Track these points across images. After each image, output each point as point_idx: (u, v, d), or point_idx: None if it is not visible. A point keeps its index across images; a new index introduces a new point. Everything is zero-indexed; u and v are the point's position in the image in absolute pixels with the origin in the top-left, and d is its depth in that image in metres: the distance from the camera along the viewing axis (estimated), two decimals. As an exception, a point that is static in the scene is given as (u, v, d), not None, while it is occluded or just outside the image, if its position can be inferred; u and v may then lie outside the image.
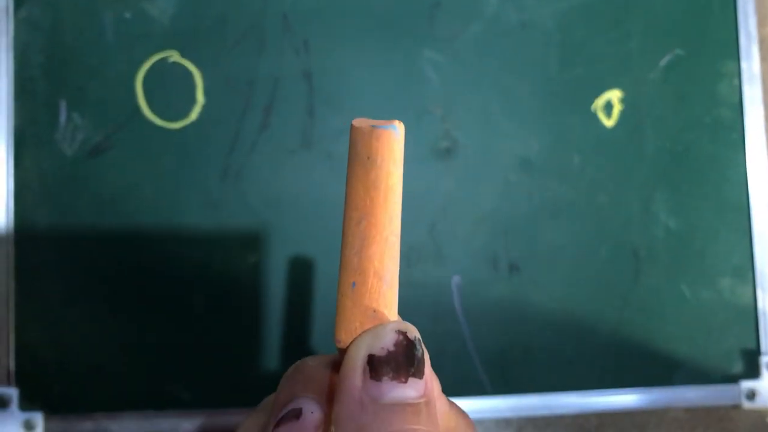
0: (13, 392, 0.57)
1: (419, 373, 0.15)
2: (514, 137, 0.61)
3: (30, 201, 0.59)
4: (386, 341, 0.16)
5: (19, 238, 0.58)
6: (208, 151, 0.59)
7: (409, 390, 0.15)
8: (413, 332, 0.16)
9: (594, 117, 0.62)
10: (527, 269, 0.61)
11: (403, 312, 0.55)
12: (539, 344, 0.60)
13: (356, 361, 0.15)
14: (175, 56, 0.60)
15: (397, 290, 0.17)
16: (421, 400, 0.15)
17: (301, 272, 0.59)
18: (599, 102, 0.62)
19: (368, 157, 0.18)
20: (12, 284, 0.58)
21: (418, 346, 0.15)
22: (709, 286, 0.61)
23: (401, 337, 0.16)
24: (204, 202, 0.59)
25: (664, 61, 0.62)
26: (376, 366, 0.15)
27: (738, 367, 0.61)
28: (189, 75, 0.60)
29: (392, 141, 0.18)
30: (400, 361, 0.15)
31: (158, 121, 0.59)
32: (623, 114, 0.62)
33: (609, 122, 0.62)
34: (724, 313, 0.61)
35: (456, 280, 0.60)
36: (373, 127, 0.18)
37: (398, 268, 0.17)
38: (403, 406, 0.15)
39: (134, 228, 0.59)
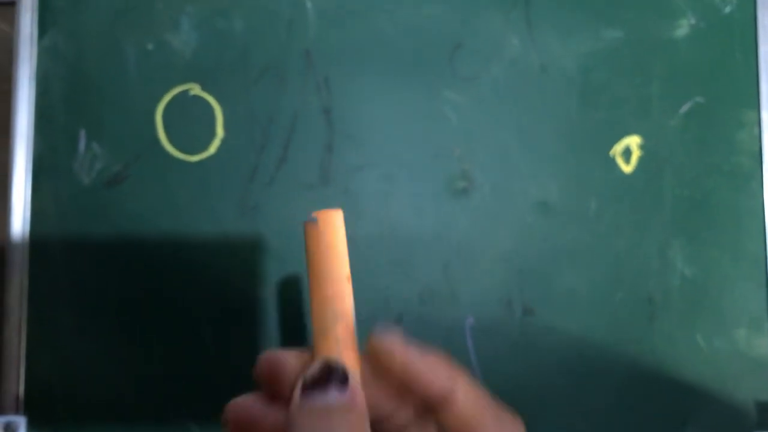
0: (21, 420, 0.57)
1: (337, 385, 0.19)
2: (531, 179, 0.61)
3: (46, 229, 0.59)
4: (315, 368, 0.20)
5: (33, 265, 0.58)
6: (226, 185, 0.59)
7: (329, 396, 0.19)
8: (335, 362, 0.20)
9: (612, 162, 0.61)
10: (541, 313, 0.60)
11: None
12: (551, 389, 0.60)
13: (298, 383, 0.20)
14: (196, 89, 0.60)
15: (349, 333, 0.21)
16: (339, 407, 0.19)
17: (315, 309, 0.59)
18: (618, 147, 0.61)
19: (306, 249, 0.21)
20: (24, 312, 0.58)
21: (336, 368, 0.20)
22: (724, 337, 0.61)
23: (324, 365, 0.20)
24: (220, 235, 0.59)
25: (684, 108, 0.62)
26: (306, 384, 0.19)
27: (752, 419, 0.60)
28: (209, 108, 0.60)
29: (311, 233, 0.21)
30: (318, 378, 0.20)
31: (177, 154, 0.59)
32: (642, 160, 0.61)
33: (627, 168, 0.61)
34: (739, 364, 0.61)
35: (470, 321, 0.60)
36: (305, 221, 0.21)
37: (349, 319, 0.22)
38: (323, 411, 0.19)
39: (149, 259, 0.58)
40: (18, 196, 0.59)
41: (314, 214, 0.21)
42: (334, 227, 0.21)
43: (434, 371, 0.20)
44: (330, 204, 0.60)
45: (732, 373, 0.61)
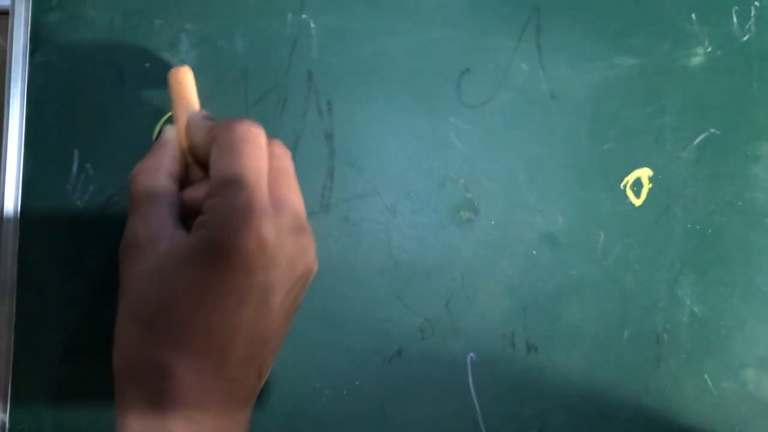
0: (6, 448, 0.56)
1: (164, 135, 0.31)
2: (538, 210, 0.59)
3: (36, 252, 0.57)
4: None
5: (21, 289, 0.56)
6: (222, 210, 0.57)
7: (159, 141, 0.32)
8: (167, 130, 0.31)
9: (622, 194, 0.59)
10: (545, 349, 0.58)
11: (414, 387, 0.52)
12: (554, 429, 0.58)
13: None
14: (193, 110, 0.58)
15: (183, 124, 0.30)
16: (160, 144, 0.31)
17: (314, 340, 0.57)
18: (629, 179, 0.59)
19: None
20: (12, 337, 0.56)
21: (165, 131, 0.31)
22: (733, 377, 0.59)
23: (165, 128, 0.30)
24: (215, 263, 0.57)
25: (698, 140, 0.60)
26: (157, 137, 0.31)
27: (759, 463, 0.59)
28: (207, 130, 0.58)
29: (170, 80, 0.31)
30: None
31: (172, 177, 0.57)
32: (652, 193, 0.60)
33: (637, 201, 0.60)
34: (747, 406, 0.59)
35: (471, 357, 0.58)
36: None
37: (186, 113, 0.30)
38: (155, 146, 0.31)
39: (141, 285, 0.56)
40: (8, 216, 0.57)
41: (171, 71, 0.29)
42: (184, 77, 0.30)
43: (199, 128, 0.29)
44: (330, 232, 0.58)
45: (740, 415, 0.59)
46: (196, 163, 0.29)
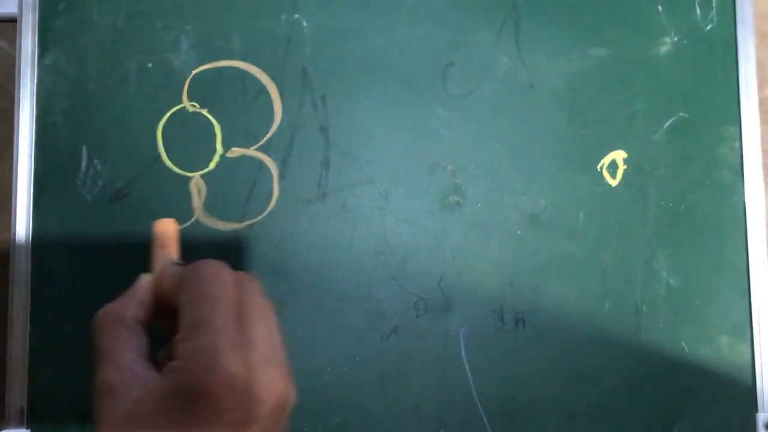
0: (24, 433, 0.58)
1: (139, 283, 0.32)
2: (522, 193, 0.63)
3: (48, 245, 0.60)
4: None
5: (35, 281, 0.59)
6: (226, 200, 0.61)
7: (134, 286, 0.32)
8: (144, 278, 0.32)
9: (599, 176, 0.64)
10: (532, 322, 0.62)
11: (411, 361, 0.55)
12: (543, 396, 0.62)
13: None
14: (195, 107, 0.61)
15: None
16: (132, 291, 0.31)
17: (316, 321, 0.61)
18: (605, 162, 0.64)
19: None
20: (28, 327, 0.59)
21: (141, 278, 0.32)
22: (708, 344, 0.63)
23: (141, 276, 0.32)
24: (220, 251, 0.60)
25: (667, 124, 0.64)
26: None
27: (735, 424, 0.63)
28: (209, 125, 0.61)
29: (154, 231, 0.33)
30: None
31: (177, 170, 0.61)
32: (627, 174, 0.64)
33: (613, 182, 0.64)
34: (722, 370, 0.63)
35: (463, 331, 0.62)
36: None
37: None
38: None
39: (150, 273, 0.60)
40: (21, 212, 0.60)
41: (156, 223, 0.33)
42: (166, 227, 0.33)
43: (170, 275, 0.31)
44: (328, 218, 0.61)
45: (716, 378, 0.63)
46: (167, 311, 0.31)
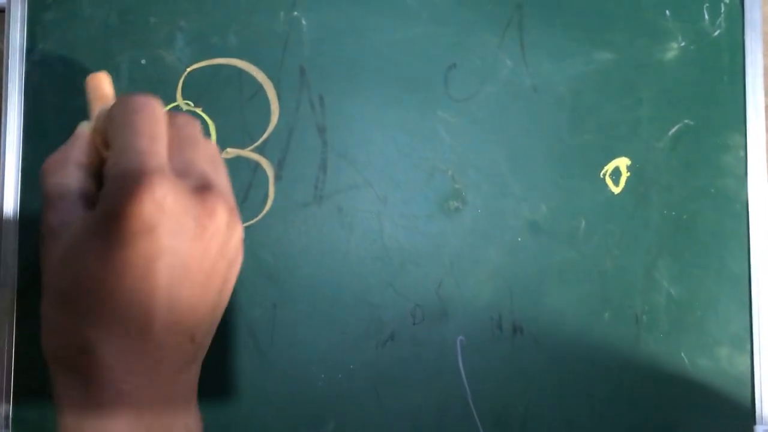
0: (9, 437, 0.57)
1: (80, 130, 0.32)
2: (522, 199, 0.62)
3: (35, 245, 0.58)
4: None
5: (21, 284, 0.58)
6: (219, 202, 0.59)
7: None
8: (83, 125, 0.31)
9: (602, 183, 0.62)
10: (531, 331, 0.61)
11: (407, 369, 0.54)
12: (540, 406, 0.61)
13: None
14: (189, 105, 0.59)
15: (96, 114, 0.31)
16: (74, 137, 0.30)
17: (310, 327, 0.59)
18: (608, 168, 0.62)
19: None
20: (14, 330, 0.58)
21: (81, 127, 0.31)
22: (708, 354, 0.62)
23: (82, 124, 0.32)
24: (213, 253, 0.59)
25: (672, 131, 0.63)
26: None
27: (733, 435, 0.62)
28: (203, 125, 0.59)
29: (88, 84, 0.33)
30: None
31: (170, 170, 0.59)
32: (630, 181, 0.63)
33: (616, 189, 0.63)
34: (721, 382, 0.62)
35: (461, 339, 0.60)
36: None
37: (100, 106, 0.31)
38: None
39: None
40: (8, 209, 0.58)
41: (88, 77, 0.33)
42: (100, 80, 0.33)
43: (103, 115, 0.30)
44: (324, 222, 0.60)
45: (714, 390, 0.62)
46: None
